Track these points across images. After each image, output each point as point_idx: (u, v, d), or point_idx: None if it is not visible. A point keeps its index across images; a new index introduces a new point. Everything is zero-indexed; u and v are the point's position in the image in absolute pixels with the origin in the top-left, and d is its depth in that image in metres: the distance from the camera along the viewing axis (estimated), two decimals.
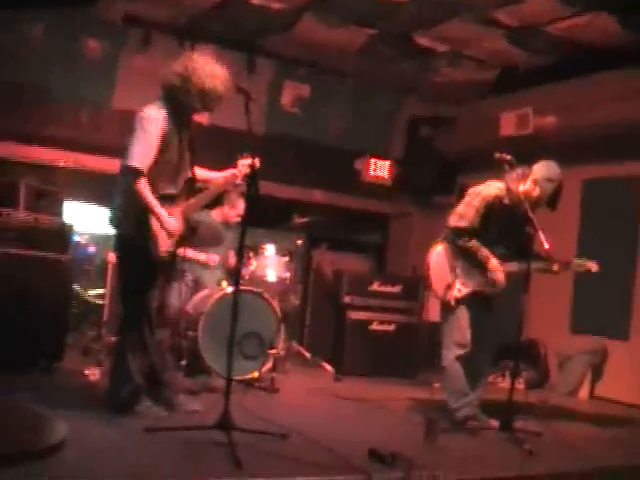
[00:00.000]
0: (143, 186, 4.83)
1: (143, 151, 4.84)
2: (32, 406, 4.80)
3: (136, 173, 4.81)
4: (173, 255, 5.21)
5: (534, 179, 5.78)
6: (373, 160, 10.28)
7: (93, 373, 6.28)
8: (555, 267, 5.87)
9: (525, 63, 8.72)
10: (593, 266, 5.90)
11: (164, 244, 5.02)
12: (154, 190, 4.89)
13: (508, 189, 5.82)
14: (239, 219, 7.37)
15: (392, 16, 7.82)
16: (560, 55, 8.29)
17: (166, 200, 4.99)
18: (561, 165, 5.84)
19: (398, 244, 10.80)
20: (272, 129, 9.20)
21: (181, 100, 5.00)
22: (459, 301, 5.86)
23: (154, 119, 4.91)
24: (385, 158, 10.38)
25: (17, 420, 3.45)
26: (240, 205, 7.37)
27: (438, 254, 6.01)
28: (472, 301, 5.88)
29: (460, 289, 5.86)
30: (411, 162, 10.46)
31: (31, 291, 6.23)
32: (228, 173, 5.28)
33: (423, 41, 8.41)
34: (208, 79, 4.96)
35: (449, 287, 5.88)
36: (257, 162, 5.03)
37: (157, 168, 4.91)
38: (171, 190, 5.05)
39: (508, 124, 8.88)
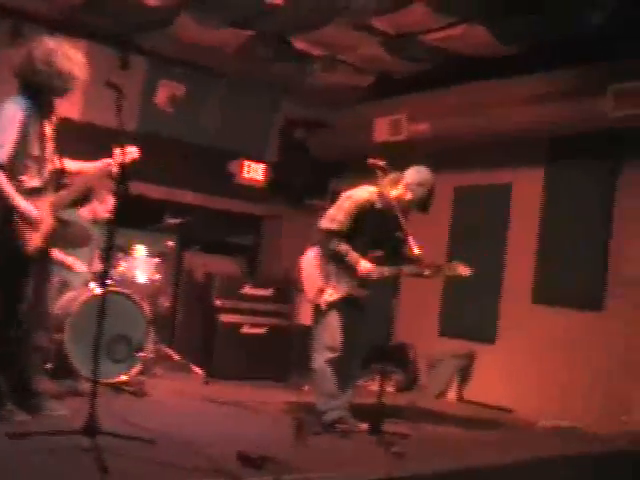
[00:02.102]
0: (2, 179, 4.68)
1: (5, 143, 4.70)
2: None
3: None
4: (44, 253, 5.03)
5: (406, 184, 5.88)
6: (247, 162, 10.21)
7: None
8: (427, 271, 5.96)
9: (400, 70, 8.83)
10: (464, 270, 6.01)
11: (32, 240, 4.84)
12: (17, 183, 4.75)
13: (380, 193, 5.90)
14: (108, 215, 7.21)
15: (269, 18, 7.79)
16: (435, 63, 8.43)
17: (32, 193, 4.84)
18: (433, 171, 5.96)
19: (270, 247, 10.78)
20: (145, 127, 9.02)
21: (39, 84, 4.88)
22: (331, 305, 5.89)
23: (11, 110, 4.79)
24: (259, 160, 10.33)
25: None
26: (110, 201, 7.20)
27: (310, 258, 6.03)
28: (344, 305, 5.91)
29: (332, 293, 5.89)
30: (285, 165, 10.47)
31: None
32: (102, 163, 5.14)
33: (300, 44, 8.41)
34: (65, 61, 4.87)
35: (321, 291, 5.91)
36: (135, 152, 4.99)
37: (18, 160, 4.76)
38: (35, 182, 4.88)
39: (382, 129, 8.99)
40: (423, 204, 5.96)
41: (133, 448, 4.51)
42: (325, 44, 8.36)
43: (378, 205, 5.92)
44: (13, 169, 4.74)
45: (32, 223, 4.83)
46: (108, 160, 5.11)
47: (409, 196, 5.88)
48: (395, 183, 5.92)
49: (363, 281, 5.93)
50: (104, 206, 7.23)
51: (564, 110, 7.49)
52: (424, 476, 4.83)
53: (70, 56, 4.91)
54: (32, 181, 4.87)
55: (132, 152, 5.06)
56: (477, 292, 8.24)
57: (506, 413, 7.78)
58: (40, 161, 4.93)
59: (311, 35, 8.14)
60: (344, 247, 5.85)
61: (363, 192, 5.97)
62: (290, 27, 8.07)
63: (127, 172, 4.74)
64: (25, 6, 8.05)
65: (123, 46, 8.76)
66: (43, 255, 5.08)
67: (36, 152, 4.88)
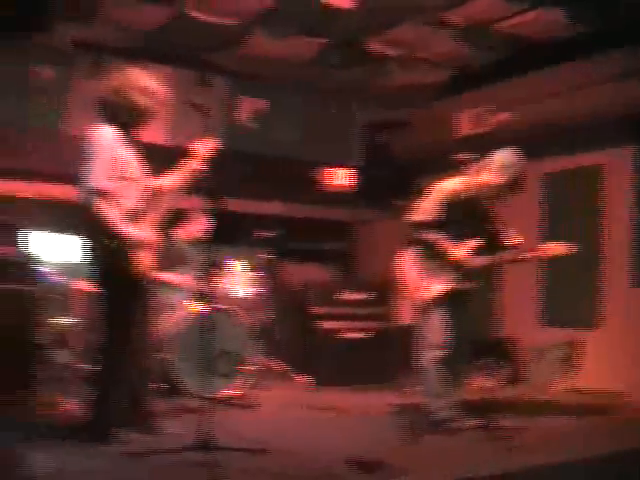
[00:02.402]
0: (105, 207, 4.77)
1: (96, 172, 4.79)
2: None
3: (95, 194, 4.76)
4: (149, 275, 5.15)
5: (494, 168, 5.80)
6: (332, 169, 10.26)
7: (68, 402, 6.19)
8: (524, 256, 5.87)
9: (477, 62, 8.77)
10: (562, 249, 5.90)
11: (141, 264, 4.95)
12: (118, 209, 4.84)
13: (469, 183, 5.85)
14: (202, 235, 7.35)
15: (341, 24, 7.83)
16: (511, 51, 8.35)
17: (132, 217, 4.92)
18: (521, 159, 5.86)
19: (363, 251, 10.79)
20: (229, 145, 9.11)
21: (118, 115, 4.98)
22: (432, 302, 5.86)
23: (103, 138, 4.88)
24: (344, 166, 10.37)
25: None
26: (202, 220, 7.35)
27: (408, 257, 6.02)
28: (445, 301, 5.87)
29: (433, 290, 5.86)
30: (370, 168, 10.48)
31: None
32: (186, 165, 5.22)
33: (374, 47, 8.43)
34: (138, 94, 4.98)
35: (422, 289, 5.88)
36: (212, 143, 5.10)
37: (117, 186, 4.85)
38: (134, 205, 4.97)
39: (464, 123, 8.93)
40: (514, 186, 5.87)
41: (246, 460, 4.58)
42: (399, 44, 8.36)
43: (468, 195, 5.86)
44: (112, 195, 4.83)
45: (140, 247, 4.93)
46: (189, 160, 5.20)
47: (499, 179, 5.79)
48: (484, 169, 5.86)
49: (464, 274, 5.88)
50: (198, 226, 7.37)
51: None
52: (538, 469, 4.76)
53: (146, 89, 5.02)
54: (130, 204, 4.95)
55: (208, 144, 5.15)
56: (575, 279, 8.10)
57: (616, 398, 7.61)
58: (135, 184, 5.01)
59: (384, 36, 8.15)
60: (435, 235, 5.82)
61: (451, 183, 5.93)
62: (363, 30, 8.09)
63: (218, 190, 4.80)
64: (104, 38, 8.26)
65: (202, 67, 8.91)
66: (149, 277, 5.18)
67: (131, 175, 4.98)
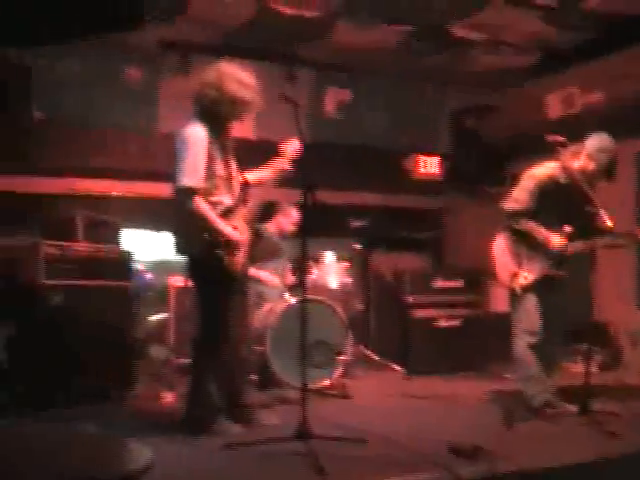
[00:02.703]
0: (200, 204, 4.83)
1: (192, 169, 4.83)
2: (112, 435, 4.84)
3: (190, 192, 4.81)
4: (245, 270, 5.21)
5: (588, 153, 5.70)
6: (421, 157, 10.23)
7: (167, 397, 6.31)
8: (622, 240, 5.76)
9: (565, 42, 8.63)
10: None
11: (237, 260, 5.01)
12: (212, 206, 4.91)
13: (563, 168, 5.75)
14: (294, 228, 7.41)
15: (425, 10, 7.80)
16: (599, 29, 8.19)
17: (226, 213, 4.98)
18: (613, 139, 5.75)
19: (454, 238, 10.73)
20: (317, 137, 9.21)
21: (214, 110, 4.99)
22: (526, 288, 5.80)
23: (196, 135, 4.91)
24: (433, 154, 10.33)
25: (99, 450, 3.48)
26: (293, 213, 7.41)
27: (500, 243, 5.97)
28: (539, 287, 5.80)
29: (526, 276, 5.80)
30: (459, 155, 10.41)
31: (97, 321, 6.27)
32: (275, 164, 5.28)
33: (459, 32, 8.37)
34: (237, 86, 4.97)
35: (515, 275, 5.83)
36: (299, 144, 5.15)
37: (209, 183, 4.92)
38: (228, 202, 5.02)
39: (554, 105, 8.78)
40: (608, 171, 5.76)
41: (345, 449, 4.60)
42: (484, 28, 8.29)
43: (562, 180, 5.77)
44: (206, 192, 4.89)
45: (234, 242, 4.98)
46: (279, 159, 5.25)
47: (592, 165, 5.69)
48: (576, 155, 5.75)
49: (558, 260, 5.80)
50: (289, 219, 7.43)
51: None
52: (636, 455, 4.68)
53: (242, 80, 5.00)
54: (224, 200, 5.00)
55: (295, 144, 5.19)
56: None
57: None
58: (228, 180, 5.06)
59: (469, 20, 8.09)
60: (531, 224, 5.76)
61: (545, 169, 5.85)
62: (447, 16, 8.04)
63: (313, 183, 4.81)
64: (190, 37, 8.39)
65: (288, 60, 8.98)
66: (244, 272, 5.24)
67: (223, 172, 5.02)
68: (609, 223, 5.38)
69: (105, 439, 4.27)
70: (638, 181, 8.62)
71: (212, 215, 4.87)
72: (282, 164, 5.25)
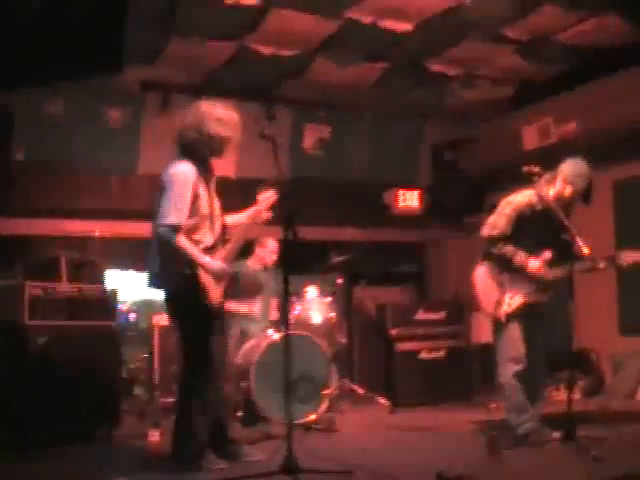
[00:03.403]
0: (183, 240, 4.88)
1: (177, 208, 4.88)
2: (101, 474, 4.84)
3: (175, 229, 4.87)
4: (223, 307, 5.25)
5: (563, 178, 5.77)
6: (401, 191, 10.31)
7: (153, 435, 6.30)
8: (601, 264, 5.80)
9: (540, 75, 8.79)
10: (639, 256, 5.83)
11: (215, 294, 5.05)
12: (194, 243, 4.95)
13: (539, 195, 5.82)
14: (274, 258, 7.47)
15: (401, 47, 7.93)
16: (573, 61, 8.35)
17: (207, 251, 5.02)
18: (590, 167, 5.84)
19: (436, 270, 10.80)
20: (297, 173, 9.30)
21: (195, 149, 5.07)
22: (510, 316, 5.86)
23: (183, 174, 4.97)
24: (413, 187, 10.42)
25: None
26: (270, 243, 7.48)
27: (482, 272, 6.01)
28: (522, 314, 5.86)
29: (510, 304, 5.85)
30: (439, 188, 10.52)
31: (82, 361, 6.28)
32: (251, 210, 5.34)
33: (435, 67, 8.50)
34: (215, 124, 5.02)
35: (498, 304, 5.88)
36: (272, 195, 5.20)
37: (193, 221, 4.97)
38: (209, 241, 5.07)
39: (530, 137, 8.91)
40: (584, 195, 5.85)
41: None
42: (461, 62, 8.43)
43: (538, 207, 5.84)
44: (189, 230, 4.94)
45: (220, 279, 5.03)
46: (255, 207, 5.31)
47: (569, 190, 5.76)
48: (552, 181, 5.83)
49: (540, 286, 5.87)
50: (267, 250, 7.49)
51: None
52: (626, 477, 4.71)
53: (220, 117, 5.05)
54: (206, 239, 5.06)
55: (270, 195, 5.26)
56: None
57: None
58: (210, 219, 5.12)
59: (446, 55, 8.21)
60: (509, 249, 5.82)
61: (521, 196, 5.92)
62: (423, 51, 8.17)
63: (293, 218, 4.86)
64: (171, 77, 8.48)
65: (267, 99, 9.07)
66: (223, 309, 5.29)
67: (206, 211, 5.08)
68: (585, 249, 5.45)
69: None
70: (615, 207, 8.72)
71: (195, 250, 4.93)
72: (259, 213, 5.33)
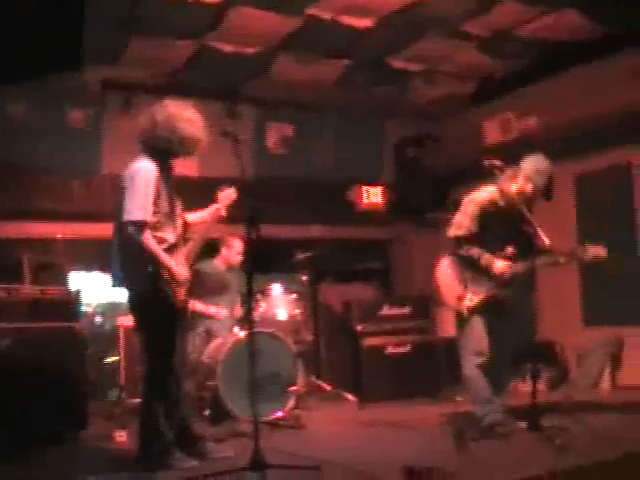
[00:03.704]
0: (147, 238, 4.88)
1: (141, 204, 4.88)
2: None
3: (139, 226, 4.85)
4: (185, 305, 5.25)
5: (524, 175, 5.84)
6: (365, 188, 10.34)
7: (120, 436, 6.28)
8: (562, 259, 5.86)
9: (500, 70, 8.85)
10: (600, 251, 5.87)
11: (178, 293, 5.05)
12: (157, 240, 4.95)
13: (501, 191, 5.89)
14: (240, 258, 7.47)
15: (363, 44, 7.95)
16: (534, 57, 8.41)
17: (169, 249, 5.01)
18: (551, 162, 5.90)
19: (401, 266, 10.84)
20: (261, 172, 9.29)
21: (164, 149, 5.07)
22: (473, 310, 5.90)
23: (145, 171, 4.97)
24: (376, 184, 10.45)
25: None
26: (236, 243, 7.47)
27: (445, 267, 6.07)
28: (485, 308, 5.91)
29: (472, 298, 5.90)
30: (402, 184, 10.56)
31: (47, 363, 6.23)
32: (212, 208, 5.36)
33: (397, 63, 8.53)
34: (186, 125, 5.05)
35: (461, 298, 5.93)
36: (232, 192, 5.26)
37: (156, 219, 4.97)
38: (171, 239, 5.07)
39: (492, 131, 9.00)
40: (545, 191, 5.91)
41: (299, 476, 4.63)
42: (422, 59, 8.47)
43: (501, 203, 5.91)
44: (152, 228, 4.93)
45: (178, 280, 5.03)
46: (216, 205, 5.34)
47: (530, 186, 5.83)
48: (513, 178, 5.90)
49: (503, 281, 5.92)
50: (233, 250, 7.49)
51: None
52: (590, 466, 4.76)
53: (190, 119, 5.08)
54: (168, 237, 5.05)
55: (230, 194, 5.32)
56: (615, 277, 8.11)
57: None
58: (172, 217, 5.12)
59: (407, 52, 8.25)
60: (475, 251, 5.88)
61: (484, 193, 5.99)
62: (385, 48, 8.19)
63: (256, 217, 4.87)
64: (131, 78, 8.44)
65: (229, 97, 9.06)
66: (186, 308, 5.28)
67: (168, 209, 5.08)
68: (547, 242, 5.52)
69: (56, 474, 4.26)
70: (577, 201, 8.81)
71: (159, 250, 4.92)
72: (218, 211, 5.35)
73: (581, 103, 8.02)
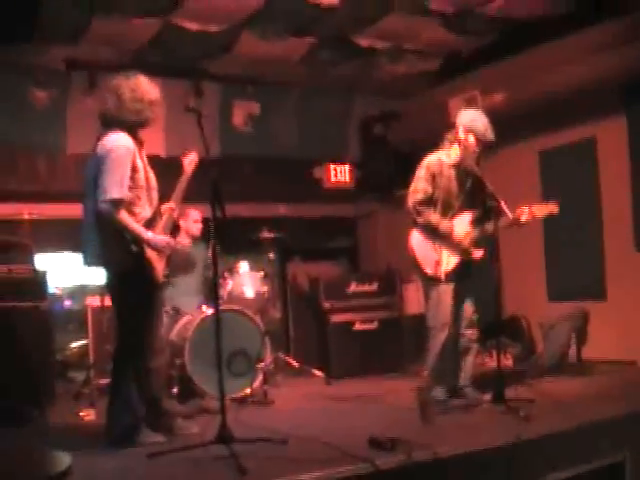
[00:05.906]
0: (125, 216, 4.85)
1: (118, 181, 4.84)
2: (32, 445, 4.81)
3: (116, 203, 4.82)
4: (166, 279, 5.24)
5: (463, 128, 5.97)
6: (332, 166, 10.37)
7: (88, 414, 6.28)
8: (521, 217, 5.87)
9: (466, 47, 8.88)
10: (553, 207, 5.95)
11: (160, 268, 5.05)
12: (134, 217, 4.92)
13: (448, 154, 6.04)
14: (200, 227, 7.50)
15: (328, 21, 7.93)
16: (498, 34, 8.45)
17: (146, 223, 4.99)
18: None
19: (368, 243, 10.89)
20: (227, 150, 9.28)
21: (130, 122, 5.05)
22: (449, 275, 5.97)
23: (124, 147, 4.94)
24: (343, 162, 10.47)
25: (21, 458, 3.48)
26: (193, 213, 7.51)
27: (417, 236, 6.11)
28: (457, 273, 6.01)
29: (448, 262, 5.97)
30: (369, 162, 10.59)
31: (12, 342, 6.23)
32: (183, 177, 5.36)
33: (363, 41, 8.52)
34: (146, 88, 5.07)
35: (439, 263, 5.98)
36: (194, 156, 5.32)
37: (133, 194, 4.94)
38: (148, 212, 5.05)
39: (457, 108, 8.96)
40: (486, 138, 5.97)
41: (267, 450, 4.66)
42: (387, 36, 8.46)
43: (449, 161, 6.04)
44: (129, 203, 4.91)
45: (162, 249, 5.02)
46: (185, 174, 5.35)
47: (471, 138, 5.93)
48: (454, 138, 6.02)
49: (466, 247, 5.99)
50: (190, 219, 7.53)
51: (636, 54, 7.37)
52: (552, 435, 4.85)
53: (148, 82, 5.11)
54: (144, 212, 5.03)
55: (194, 157, 5.37)
56: (579, 252, 8.22)
57: (629, 366, 7.69)
58: (147, 190, 5.10)
59: (372, 30, 8.24)
60: (434, 218, 5.98)
61: (431, 156, 6.15)
62: (350, 26, 8.18)
63: (220, 195, 4.85)
64: (96, 56, 8.37)
65: (194, 75, 9.03)
66: (162, 281, 5.23)
67: (143, 182, 5.05)
68: (510, 216, 5.63)
69: (24, 449, 4.27)
70: (542, 177, 8.88)
71: (136, 225, 4.90)
72: (184, 177, 5.34)
73: (546, 79, 8.06)
